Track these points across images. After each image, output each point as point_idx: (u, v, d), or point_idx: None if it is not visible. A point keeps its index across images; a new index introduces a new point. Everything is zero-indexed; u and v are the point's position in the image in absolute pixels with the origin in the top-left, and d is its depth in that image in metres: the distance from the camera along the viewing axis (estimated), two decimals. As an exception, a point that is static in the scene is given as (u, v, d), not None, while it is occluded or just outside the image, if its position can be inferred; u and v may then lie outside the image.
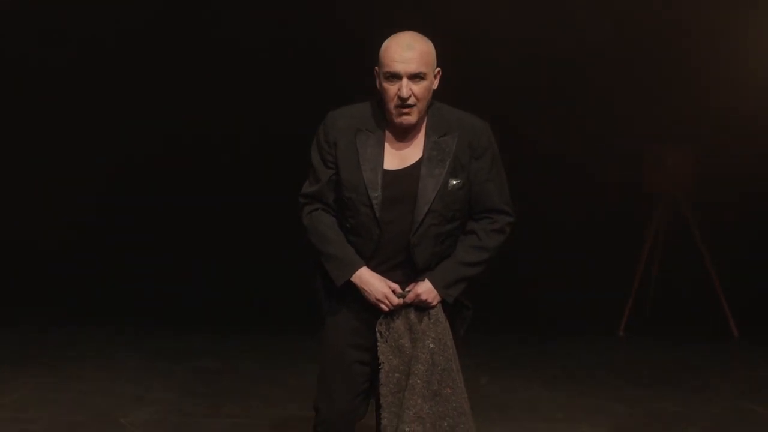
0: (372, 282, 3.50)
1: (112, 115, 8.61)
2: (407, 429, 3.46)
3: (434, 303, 3.54)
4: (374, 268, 3.53)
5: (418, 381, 3.49)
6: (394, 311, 3.53)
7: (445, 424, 3.50)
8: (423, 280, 3.53)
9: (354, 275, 3.51)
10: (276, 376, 6.36)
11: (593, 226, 8.38)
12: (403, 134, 3.53)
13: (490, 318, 7.10)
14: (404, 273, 3.55)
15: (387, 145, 3.51)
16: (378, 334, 3.54)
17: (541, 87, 8.30)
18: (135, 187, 8.72)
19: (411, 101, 3.43)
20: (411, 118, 3.46)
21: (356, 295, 3.56)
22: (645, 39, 8.15)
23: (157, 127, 8.59)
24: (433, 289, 3.53)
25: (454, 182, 3.51)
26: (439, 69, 3.53)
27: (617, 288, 7.79)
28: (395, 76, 3.43)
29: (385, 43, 3.49)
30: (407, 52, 3.42)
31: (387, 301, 3.50)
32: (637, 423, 5.48)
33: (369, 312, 3.57)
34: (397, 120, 3.47)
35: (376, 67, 3.52)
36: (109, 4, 8.27)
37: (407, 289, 3.53)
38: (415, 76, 3.43)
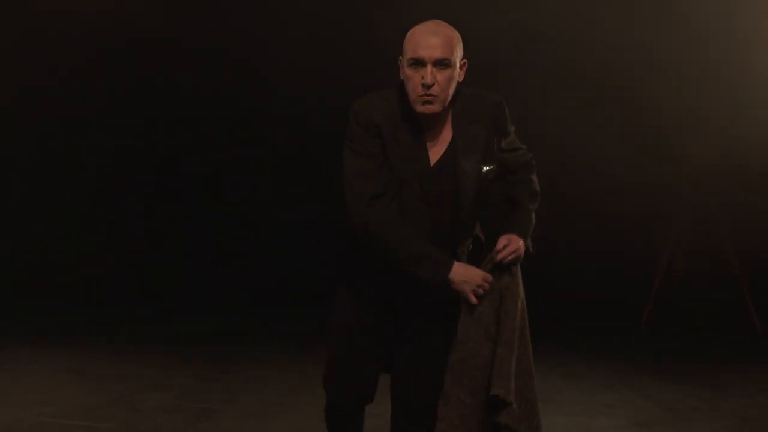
0: (470, 272, 3.39)
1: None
2: (511, 385, 3.39)
3: (522, 255, 3.48)
4: None
5: (513, 337, 3.41)
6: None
7: (520, 383, 3.45)
8: (509, 235, 3.45)
9: (451, 272, 3.37)
10: (293, 364, 6.35)
11: (617, 220, 8.33)
12: (433, 124, 3.44)
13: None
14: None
15: (424, 138, 3.43)
16: (463, 305, 3.42)
17: (565, 82, 8.22)
18: (149, 177, 8.73)
19: (434, 90, 3.33)
20: (434, 107, 3.36)
21: (373, 281, 3.51)
22: (669, 35, 8.06)
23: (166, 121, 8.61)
24: (522, 242, 3.47)
25: (487, 168, 3.47)
26: (465, 60, 3.43)
27: (639, 282, 7.73)
28: (419, 63, 3.33)
29: (411, 31, 3.40)
30: (433, 38, 3.33)
31: (485, 284, 3.39)
32: (656, 418, 5.44)
33: (384, 297, 3.52)
34: (419, 109, 3.36)
35: (399, 57, 3.42)
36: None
37: (496, 249, 3.43)
38: (440, 63, 3.33)
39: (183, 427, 5.07)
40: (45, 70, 8.40)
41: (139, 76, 8.53)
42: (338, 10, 8.21)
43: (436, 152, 3.45)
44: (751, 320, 7.48)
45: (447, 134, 3.46)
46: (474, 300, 3.39)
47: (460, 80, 3.43)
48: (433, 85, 3.33)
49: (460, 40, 3.41)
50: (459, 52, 3.39)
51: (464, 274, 3.38)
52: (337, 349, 3.59)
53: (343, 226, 3.58)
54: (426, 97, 3.34)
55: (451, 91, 3.39)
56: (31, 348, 6.53)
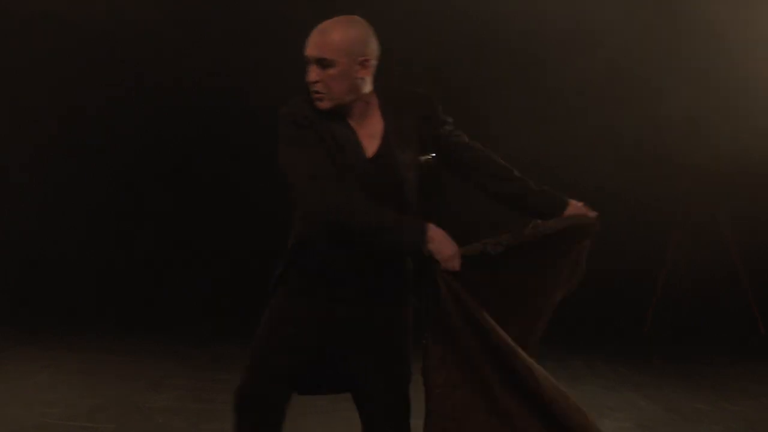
0: (447, 238, 3.22)
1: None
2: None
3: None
4: None
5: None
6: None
7: None
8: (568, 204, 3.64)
9: (430, 231, 3.19)
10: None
11: (620, 221, 8.30)
12: (361, 118, 3.37)
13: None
14: None
15: (356, 132, 3.37)
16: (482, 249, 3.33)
17: (569, 84, 8.19)
18: (150, 178, 8.72)
19: (318, 87, 3.29)
20: (323, 104, 3.32)
21: (316, 291, 3.49)
22: (675, 40, 8.04)
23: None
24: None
25: (425, 158, 3.42)
26: (366, 58, 3.31)
27: (642, 283, 7.71)
28: (306, 60, 3.32)
29: None
30: (317, 36, 3.30)
31: (458, 261, 3.23)
32: (660, 419, 5.42)
33: (325, 309, 3.47)
34: (315, 103, 3.33)
35: None
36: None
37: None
38: (320, 62, 3.29)
39: (185, 427, 5.06)
40: (46, 74, 8.40)
41: (141, 78, 8.53)
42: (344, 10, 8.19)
43: (371, 145, 3.37)
44: (755, 322, 7.47)
45: (378, 128, 3.39)
46: (457, 266, 3.20)
47: (362, 77, 3.32)
48: (316, 82, 3.29)
49: (361, 39, 3.31)
50: (350, 51, 3.28)
51: (442, 235, 3.21)
52: (267, 348, 3.67)
53: (291, 234, 3.56)
54: (314, 94, 3.31)
55: (342, 89, 3.30)
56: (32, 348, 6.51)
